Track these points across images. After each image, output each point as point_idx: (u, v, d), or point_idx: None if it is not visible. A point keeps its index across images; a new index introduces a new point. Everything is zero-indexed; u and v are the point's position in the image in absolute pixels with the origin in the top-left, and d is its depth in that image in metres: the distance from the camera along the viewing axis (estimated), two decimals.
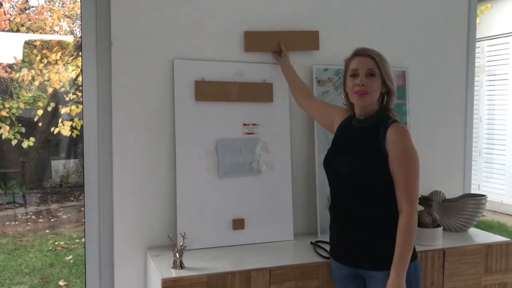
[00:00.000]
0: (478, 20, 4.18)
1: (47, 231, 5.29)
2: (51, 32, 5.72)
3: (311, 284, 2.05)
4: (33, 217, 5.57)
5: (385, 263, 1.82)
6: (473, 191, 2.89)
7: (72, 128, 5.24)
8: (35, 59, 5.55)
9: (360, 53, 1.92)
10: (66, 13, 5.77)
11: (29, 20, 5.43)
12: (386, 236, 1.84)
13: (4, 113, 5.20)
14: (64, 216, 5.65)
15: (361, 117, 1.95)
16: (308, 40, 2.48)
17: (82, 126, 2.31)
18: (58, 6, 5.94)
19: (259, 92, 2.40)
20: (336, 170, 1.97)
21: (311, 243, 2.32)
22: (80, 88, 4.83)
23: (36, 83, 5.50)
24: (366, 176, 1.87)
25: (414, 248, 1.86)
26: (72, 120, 5.28)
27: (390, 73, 1.90)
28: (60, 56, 5.53)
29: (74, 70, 5.37)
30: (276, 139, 2.42)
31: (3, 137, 5.12)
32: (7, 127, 5.13)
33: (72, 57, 5.65)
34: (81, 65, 2.33)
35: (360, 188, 1.88)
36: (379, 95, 1.91)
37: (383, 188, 1.85)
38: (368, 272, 1.90)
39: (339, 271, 1.99)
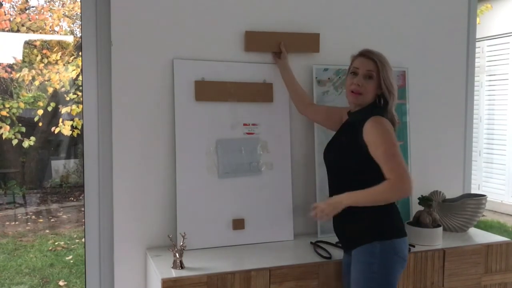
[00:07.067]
0: (478, 20, 4.18)
1: (47, 231, 5.28)
2: (51, 32, 5.71)
3: (311, 284, 2.06)
4: (33, 217, 5.55)
5: (354, 242, 1.92)
6: (473, 191, 2.89)
7: (73, 128, 5.24)
8: (35, 59, 5.54)
9: (364, 54, 1.99)
10: (66, 13, 5.76)
11: (29, 20, 5.42)
12: (360, 218, 1.91)
13: (4, 113, 5.19)
14: (64, 216, 5.64)
15: (352, 112, 2.05)
16: (308, 43, 2.48)
17: (82, 125, 2.31)
18: (58, 6, 5.93)
19: (259, 92, 2.40)
20: (325, 161, 2.09)
21: (311, 243, 2.32)
22: (80, 88, 4.82)
23: (36, 83, 5.49)
24: (340, 165, 1.98)
25: (387, 226, 1.90)
26: (72, 119, 5.27)
27: (389, 78, 1.95)
28: (60, 56, 5.52)
29: (74, 70, 5.36)
30: (276, 139, 2.42)
31: (4, 137, 5.12)
32: (8, 127, 5.12)
33: (72, 57, 5.64)
34: (81, 65, 2.33)
35: (338, 177, 2.00)
36: (373, 97, 1.96)
37: (357, 177, 1.91)
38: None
39: (344, 260, 2.07)
